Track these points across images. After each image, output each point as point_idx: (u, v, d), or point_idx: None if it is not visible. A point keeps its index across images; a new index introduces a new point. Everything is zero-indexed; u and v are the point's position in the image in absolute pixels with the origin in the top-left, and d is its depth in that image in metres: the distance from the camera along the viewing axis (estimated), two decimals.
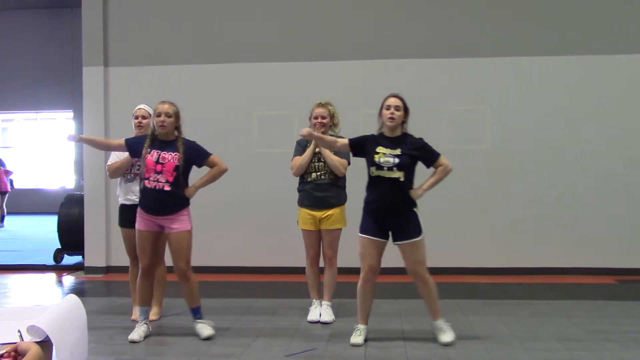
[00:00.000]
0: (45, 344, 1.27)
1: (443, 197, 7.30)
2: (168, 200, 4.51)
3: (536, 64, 7.32)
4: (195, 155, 4.64)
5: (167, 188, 4.48)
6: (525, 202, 7.30)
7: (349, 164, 5.09)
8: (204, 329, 4.64)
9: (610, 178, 7.23)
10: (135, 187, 4.92)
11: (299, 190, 5.19)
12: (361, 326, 4.57)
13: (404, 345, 4.42)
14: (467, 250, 7.30)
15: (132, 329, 4.89)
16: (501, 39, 7.37)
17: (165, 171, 4.48)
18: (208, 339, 4.58)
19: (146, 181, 4.53)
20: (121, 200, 5.14)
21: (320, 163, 5.05)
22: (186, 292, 4.68)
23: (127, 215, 5.01)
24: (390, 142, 4.43)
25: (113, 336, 4.68)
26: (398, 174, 4.34)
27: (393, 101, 4.47)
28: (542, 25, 7.32)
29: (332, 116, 5.13)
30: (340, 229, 5.15)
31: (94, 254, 7.60)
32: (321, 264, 5.29)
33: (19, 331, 1.27)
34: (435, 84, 7.40)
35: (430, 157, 4.46)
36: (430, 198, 7.25)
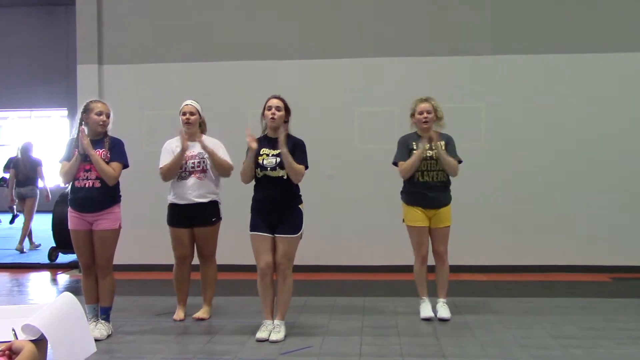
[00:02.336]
0: (40, 343, 1.26)
1: None
2: (99, 196, 4.54)
3: (532, 62, 7.33)
4: (114, 153, 4.61)
5: (97, 185, 4.55)
6: (520, 200, 7.31)
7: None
8: (100, 330, 4.57)
9: (605, 176, 7.25)
10: (182, 185, 4.99)
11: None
12: (267, 322, 4.61)
13: (398, 343, 4.43)
14: (463, 248, 7.29)
15: (128, 327, 4.89)
16: (497, 38, 7.38)
17: (94, 169, 4.52)
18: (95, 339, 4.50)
19: (76, 181, 4.56)
20: (171, 199, 5.09)
21: (433, 161, 5.08)
22: (101, 289, 4.67)
23: (177, 214, 5.07)
24: (271, 143, 4.62)
25: (108, 334, 4.67)
26: (282, 173, 4.54)
27: (274, 102, 4.65)
28: (538, 24, 7.33)
29: (435, 110, 5.11)
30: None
31: None
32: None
33: (13, 330, 1.27)
34: (431, 82, 7.40)
35: (298, 159, 4.56)
36: None
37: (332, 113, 7.40)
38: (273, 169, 4.55)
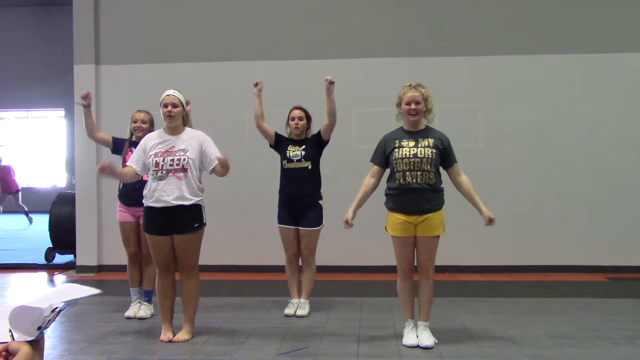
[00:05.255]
0: (36, 344, 1.26)
1: None
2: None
3: (528, 62, 7.34)
4: None
5: (145, 178, 4.78)
6: (517, 201, 7.31)
7: None
8: (144, 310, 5.22)
9: (601, 176, 7.26)
10: (159, 186, 4.44)
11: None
12: (294, 300, 5.32)
13: (396, 343, 4.43)
14: (460, 248, 7.31)
15: (124, 328, 4.88)
16: (492, 38, 7.39)
17: None
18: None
19: None
20: (147, 202, 4.52)
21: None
22: (145, 275, 5.30)
23: (154, 219, 4.51)
24: (296, 143, 5.35)
25: (105, 335, 4.66)
26: (306, 164, 5.23)
27: (296, 113, 5.35)
28: (534, 24, 7.34)
29: (425, 100, 4.42)
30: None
31: (86, 253, 7.57)
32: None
33: (10, 330, 1.26)
34: (427, 82, 7.35)
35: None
36: None
37: None
38: (299, 160, 5.23)
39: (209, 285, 6.54)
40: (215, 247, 7.43)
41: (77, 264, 7.66)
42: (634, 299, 5.86)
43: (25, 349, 1.21)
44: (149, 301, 5.28)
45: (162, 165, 4.44)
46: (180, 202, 4.43)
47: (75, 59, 7.67)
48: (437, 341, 4.35)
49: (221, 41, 7.57)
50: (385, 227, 4.48)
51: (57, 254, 8.29)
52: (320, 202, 5.33)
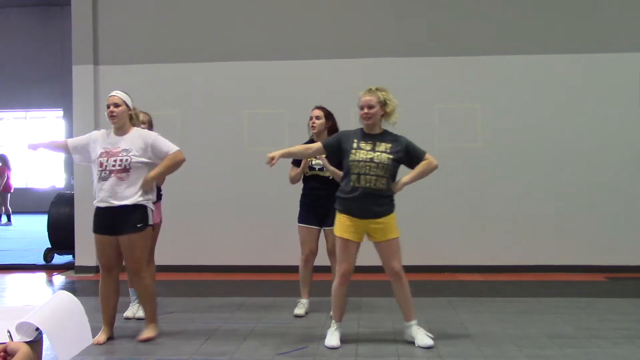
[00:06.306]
0: (35, 344, 1.26)
1: (434, 195, 7.33)
2: None
3: (526, 62, 7.34)
4: None
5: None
6: (516, 200, 7.32)
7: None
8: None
9: (600, 176, 7.26)
10: (103, 186, 4.43)
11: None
12: (303, 300, 5.27)
13: (395, 344, 4.43)
14: (458, 248, 7.32)
15: (123, 328, 4.87)
16: (491, 38, 7.39)
17: None
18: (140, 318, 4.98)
19: None
20: (94, 202, 4.50)
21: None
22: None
23: (98, 218, 4.52)
24: None
25: None
26: (327, 173, 5.04)
27: (315, 112, 5.20)
28: (534, 24, 7.34)
29: (384, 104, 4.34)
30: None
31: (85, 254, 7.56)
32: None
33: (8, 331, 1.26)
34: (426, 82, 7.41)
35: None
36: (423, 196, 7.29)
37: None
38: (321, 169, 5.08)
39: (208, 286, 6.54)
40: (215, 247, 7.44)
41: (76, 264, 7.65)
42: (633, 299, 5.86)
43: (24, 350, 1.21)
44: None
45: (106, 166, 4.43)
46: (120, 202, 4.39)
47: (74, 59, 7.66)
48: (433, 336, 4.36)
49: (221, 41, 7.56)
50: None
51: (56, 255, 8.28)
52: None
